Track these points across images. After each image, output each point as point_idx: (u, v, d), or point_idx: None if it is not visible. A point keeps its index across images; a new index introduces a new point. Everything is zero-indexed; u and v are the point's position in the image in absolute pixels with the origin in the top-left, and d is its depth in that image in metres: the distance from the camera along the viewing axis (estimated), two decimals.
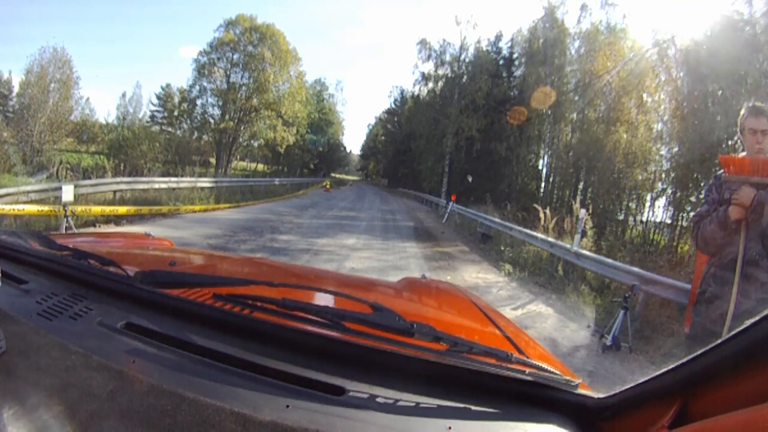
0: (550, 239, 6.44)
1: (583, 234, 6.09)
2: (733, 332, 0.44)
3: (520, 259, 6.63)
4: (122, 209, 7.07)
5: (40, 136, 17.81)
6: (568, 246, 5.84)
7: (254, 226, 7.61)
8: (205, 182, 10.91)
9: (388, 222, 11.54)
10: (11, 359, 0.53)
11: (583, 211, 6.04)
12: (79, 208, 6.25)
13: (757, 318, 0.41)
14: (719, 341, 0.45)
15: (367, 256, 6.19)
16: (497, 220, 8.95)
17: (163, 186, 8.99)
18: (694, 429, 0.45)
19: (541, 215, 7.18)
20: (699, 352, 0.47)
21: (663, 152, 12.69)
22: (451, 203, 13.09)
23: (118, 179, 7.97)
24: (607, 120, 15.31)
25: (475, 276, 5.72)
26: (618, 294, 4.73)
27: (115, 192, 7.83)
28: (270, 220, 8.54)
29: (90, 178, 8.85)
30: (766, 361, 0.41)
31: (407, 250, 7.18)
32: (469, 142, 21.47)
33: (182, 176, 12.54)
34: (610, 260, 5.07)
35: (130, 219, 7.00)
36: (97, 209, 6.66)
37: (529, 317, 4.19)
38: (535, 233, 6.85)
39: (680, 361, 0.49)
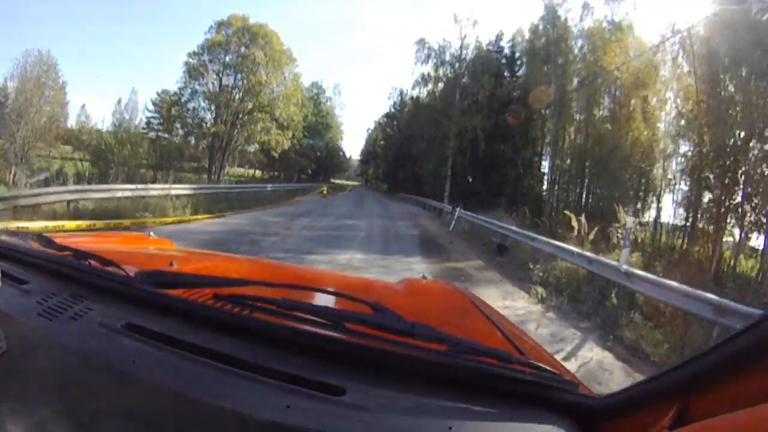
0: (587, 254, 5.27)
1: (631, 247, 4.93)
2: (734, 333, 0.43)
3: (551, 278, 5.47)
4: (71, 224, 5.93)
5: (23, 142, 16.82)
6: (615, 263, 4.68)
7: (231, 239, 6.45)
8: (180, 189, 9.65)
9: (389, 231, 10.34)
10: (11, 359, 0.53)
11: (630, 219, 4.90)
12: (14, 225, 5.17)
13: (757, 318, 0.41)
14: (719, 342, 0.45)
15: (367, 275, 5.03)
16: (515, 228, 7.70)
17: (128, 194, 7.79)
18: (694, 430, 0.44)
19: (574, 223, 6.00)
20: (699, 353, 0.46)
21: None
22: (458, 209, 11.92)
23: (63, 188, 6.76)
24: (619, 117, 14.36)
25: (501, 304, 4.51)
26: (683, 326, 3.69)
27: (68, 202, 6.68)
28: (252, 233, 7.35)
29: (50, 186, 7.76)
30: (766, 361, 0.41)
31: (413, 267, 6.01)
32: (473, 143, 20.44)
33: (174, 182, 11.38)
34: (674, 284, 3.91)
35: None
36: (38, 225, 5.53)
37: (589, 371, 3.03)
38: (567, 245, 5.65)
39: (680, 362, 0.48)
